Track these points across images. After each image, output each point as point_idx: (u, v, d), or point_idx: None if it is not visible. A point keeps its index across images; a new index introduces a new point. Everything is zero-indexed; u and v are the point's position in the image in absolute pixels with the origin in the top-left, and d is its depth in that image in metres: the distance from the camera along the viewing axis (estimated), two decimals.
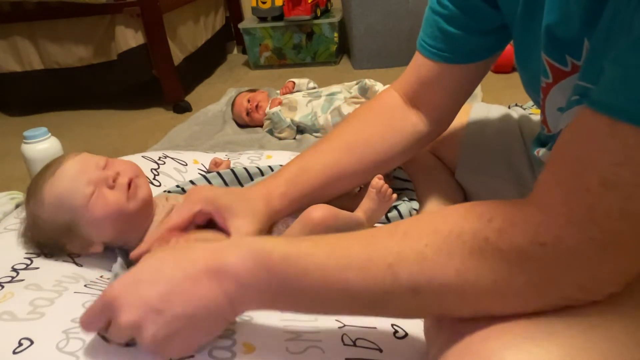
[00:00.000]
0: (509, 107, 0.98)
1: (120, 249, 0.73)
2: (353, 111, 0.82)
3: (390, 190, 0.75)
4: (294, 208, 0.72)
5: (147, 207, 0.71)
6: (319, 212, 0.67)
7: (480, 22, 0.66)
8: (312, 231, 0.66)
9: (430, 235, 0.43)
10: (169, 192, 0.84)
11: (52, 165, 0.71)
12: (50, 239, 0.70)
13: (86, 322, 0.51)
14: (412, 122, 0.76)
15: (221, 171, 0.88)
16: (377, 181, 0.74)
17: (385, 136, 0.76)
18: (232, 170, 0.88)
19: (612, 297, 0.40)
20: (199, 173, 0.96)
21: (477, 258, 0.40)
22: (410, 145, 0.77)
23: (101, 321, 0.49)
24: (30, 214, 0.71)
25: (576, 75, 0.49)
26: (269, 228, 0.71)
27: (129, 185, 0.69)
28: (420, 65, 0.73)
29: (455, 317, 0.44)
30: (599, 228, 0.37)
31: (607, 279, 0.39)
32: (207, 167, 0.98)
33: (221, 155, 1.04)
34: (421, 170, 0.89)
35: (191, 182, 0.86)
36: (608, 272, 0.39)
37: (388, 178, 0.80)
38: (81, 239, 0.70)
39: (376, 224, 0.78)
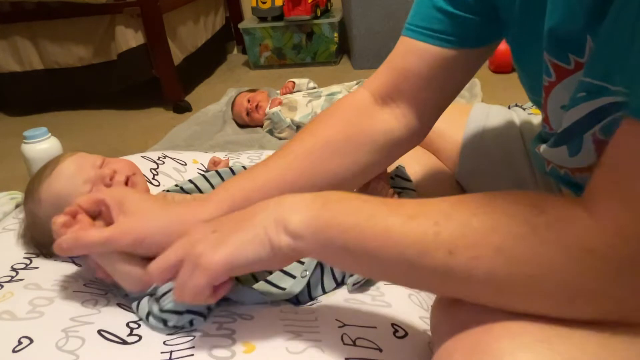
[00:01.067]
0: (509, 107, 0.98)
1: None
2: (312, 120, 0.72)
3: (391, 191, 0.74)
4: None
5: None
6: None
7: (480, 3, 0.59)
8: None
9: (480, 208, 0.41)
10: (167, 191, 0.84)
11: (49, 165, 0.71)
12: (49, 238, 0.70)
13: (158, 272, 0.51)
14: (384, 122, 0.66)
15: (220, 170, 0.88)
16: (385, 187, 0.74)
17: (348, 141, 0.64)
18: (231, 169, 0.88)
19: None
20: (199, 172, 0.96)
21: (521, 244, 0.39)
22: (381, 149, 0.66)
23: (171, 273, 0.51)
24: (28, 213, 0.71)
25: (580, 73, 0.49)
26: None
27: (126, 183, 0.69)
28: (407, 52, 0.64)
29: (474, 302, 0.42)
30: None
31: None
32: (206, 167, 0.98)
33: (221, 155, 1.04)
34: (422, 170, 0.89)
35: (190, 181, 0.86)
36: None
37: (384, 179, 0.80)
38: None
39: None
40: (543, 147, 0.61)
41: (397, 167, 0.81)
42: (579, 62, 0.50)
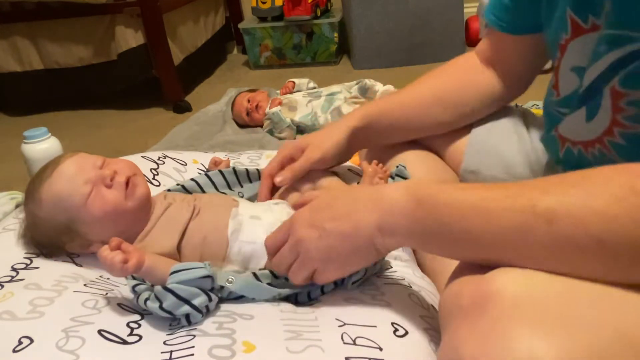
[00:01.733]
0: (516, 106, 0.98)
1: None
2: (429, 72, 0.89)
3: (387, 174, 0.76)
4: (372, 143, 0.85)
5: (146, 205, 0.71)
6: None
7: None
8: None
9: (578, 179, 0.42)
10: (169, 190, 0.84)
11: (49, 166, 0.71)
12: (49, 238, 0.70)
13: (272, 242, 0.60)
14: (488, 79, 0.83)
15: (223, 170, 0.88)
16: (375, 168, 0.76)
17: (461, 91, 0.84)
18: (234, 169, 0.88)
19: None
20: (199, 172, 0.96)
21: (620, 205, 0.39)
22: (485, 101, 0.84)
23: (283, 241, 0.59)
24: (29, 214, 0.71)
25: (594, 34, 0.55)
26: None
27: (127, 183, 0.69)
28: (490, 33, 0.83)
29: (574, 272, 0.42)
30: None
31: None
32: (207, 167, 0.98)
33: (221, 155, 1.04)
34: (426, 171, 0.88)
35: (192, 179, 0.86)
36: None
37: (384, 178, 0.80)
38: (80, 238, 0.70)
39: None
40: (562, 123, 0.65)
41: (397, 167, 0.81)
42: (596, 23, 0.55)
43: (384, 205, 0.52)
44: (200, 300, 0.57)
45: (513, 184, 0.46)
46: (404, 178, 0.82)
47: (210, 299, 0.59)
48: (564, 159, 0.68)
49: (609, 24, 0.50)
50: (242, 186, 0.88)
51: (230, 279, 0.62)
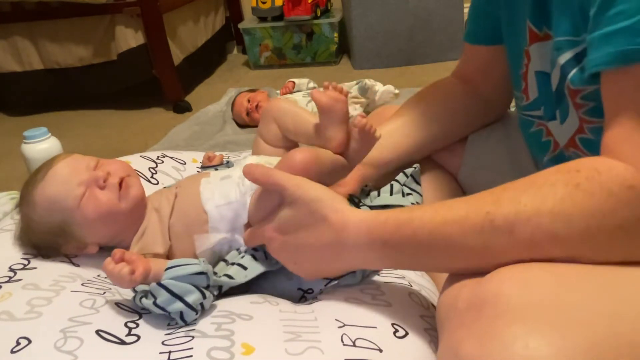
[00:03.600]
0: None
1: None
2: (412, 98, 0.88)
3: (374, 128, 0.69)
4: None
5: (140, 206, 0.71)
6: (300, 155, 0.63)
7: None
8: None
9: (526, 186, 0.47)
10: (165, 187, 0.84)
11: (43, 168, 0.70)
12: (44, 240, 0.70)
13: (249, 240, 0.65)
14: (475, 101, 0.84)
15: (217, 165, 0.88)
16: (360, 119, 0.68)
17: (453, 124, 0.85)
18: (227, 163, 0.88)
19: None
20: (198, 171, 0.96)
21: (570, 203, 0.44)
22: (477, 123, 0.86)
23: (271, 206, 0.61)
24: (24, 217, 0.71)
25: (548, 42, 0.62)
26: None
27: (120, 184, 0.69)
28: (466, 50, 0.86)
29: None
30: None
31: None
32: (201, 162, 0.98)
33: None
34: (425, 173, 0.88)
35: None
36: None
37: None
38: (75, 240, 0.70)
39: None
40: (550, 123, 0.68)
41: (414, 167, 0.80)
42: (548, 33, 0.62)
43: (348, 250, 0.55)
44: (193, 297, 0.57)
45: (467, 200, 0.50)
46: (416, 181, 0.81)
47: (204, 297, 0.58)
48: (551, 161, 0.70)
49: (555, 33, 0.57)
50: None
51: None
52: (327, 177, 0.66)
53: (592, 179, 0.44)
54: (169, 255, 0.69)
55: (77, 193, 0.67)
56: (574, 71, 0.57)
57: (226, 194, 0.68)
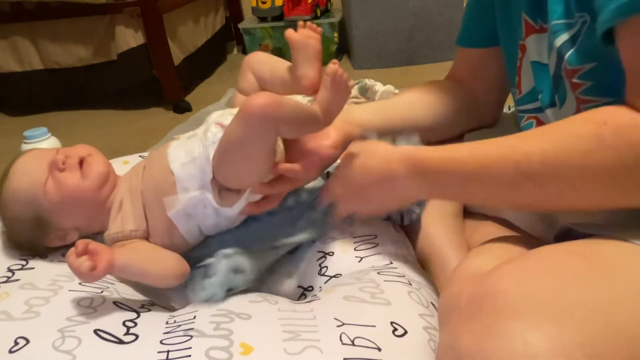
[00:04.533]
0: (508, 108, 0.99)
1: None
2: (401, 93, 0.89)
3: (346, 76, 0.64)
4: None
5: (105, 181, 0.70)
6: (259, 99, 0.57)
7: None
8: (250, 123, 0.58)
9: (555, 135, 0.51)
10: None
11: (6, 169, 0.71)
12: (26, 237, 0.70)
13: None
14: (456, 96, 0.85)
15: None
16: (332, 66, 0.63)
17: (437, 103, 0.84)
18: None
19: None
20: None
21: (596, 155, 0.47)
22: (473, 123, 0.87)
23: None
24: (2, 219, 0.71)
25: (542, 34, 0.64)
26: None
27: (81, 164, 0.69)
28: (460, 53, 0.87)
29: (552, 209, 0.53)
30: None
31: None
32: None
33: None
34: None
35: None
36: None
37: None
38: (54, 229, 0.70)
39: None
40: (544, 117, 0.69)
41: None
42: (543, 26, 0.64)
43: (395, 181, 0.62)
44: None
45: (499, 146, 0.54)
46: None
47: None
48: None
49: (550, 18, 0.59)
50: None
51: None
52: (294, 127, 0.62)
53: (617, 133, 0.46)
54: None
55: (40, 179, 0.67)
56: (570, 51, 0.58)
57: (190, 151, 0.67)
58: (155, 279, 0.64)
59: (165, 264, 0.65)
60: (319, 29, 0.68)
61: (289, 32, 0.68)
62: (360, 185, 0.66)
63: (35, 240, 0.70)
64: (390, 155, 0.63)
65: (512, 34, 0.71)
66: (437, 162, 0.58)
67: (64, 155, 0.69)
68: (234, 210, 0.67)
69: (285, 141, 0.70)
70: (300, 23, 0.69)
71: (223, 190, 0.65)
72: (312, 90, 0.67)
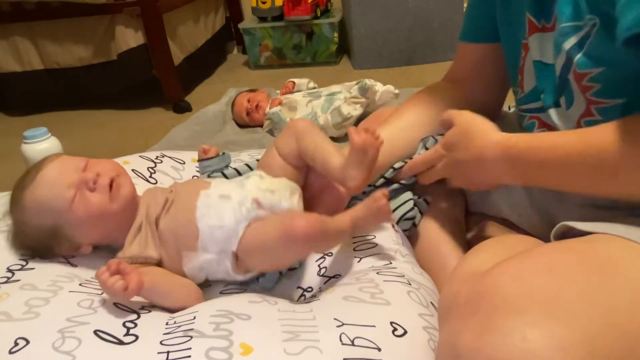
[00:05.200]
0: (509, 108, 0.99)
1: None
2: (406, 102, 0.90)
3: (388, 209, 0.70)
4: None
5: (131, 205, 0.70)
6: (304, 226, 0.60)
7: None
8: (290, 245, 0.61)
9: (612, 137, 0.54)
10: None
11: (31, 171, 0.70)
12: (37, 242, 0.69)
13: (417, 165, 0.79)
14: (453, 96, 0.86)
15: (214, 159, 0.89)
16: (381, 196, 0.69)
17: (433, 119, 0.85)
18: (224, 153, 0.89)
19: None
20: (197, 171, 0.96)
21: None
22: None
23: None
24: (15, 221, 0.70)
25: (547, 34, 0.65)
26: None
27: (110, 185, 0.69)
28: (460, 50, 0.89)
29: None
30: None
31: None
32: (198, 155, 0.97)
33: None
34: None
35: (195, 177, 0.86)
36: None
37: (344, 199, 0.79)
38: (68, 241, 0.69)
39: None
40: (552, 111, 0.70)
41: (404, 161, 0.81)
42: (546, 25, 0.65)
43: (486, 163, 0.67)
44: None
45: (580, 136, 0.58)
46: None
47: None
48: None
49: (559, 20, 0.60)
50: (240, 174, 0.87)
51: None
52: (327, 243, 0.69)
53: None
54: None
55: (68, 196, 0.66)
56: (579, 55, 0.58)
57: (221, 216, 0.67)
58: (177, 300, 0.65)
59: (188, 288, 0.67)
60: (381, 138, 0.69)
61: (352, 133, 0.68)
62: (457, 160, 0.71)
63: (45, 247, 0.70)
64: (486, 139, 0.68)
65: (515, 33, 0.72)
66: (524, 150, 0.63)
67: (94, 173, 0.68)
68: (245, 278, 0.70)
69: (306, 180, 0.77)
70: (366, 127, 0.71)
71: (240, 261, 0.68)
72: (356, 193, 0.74)
